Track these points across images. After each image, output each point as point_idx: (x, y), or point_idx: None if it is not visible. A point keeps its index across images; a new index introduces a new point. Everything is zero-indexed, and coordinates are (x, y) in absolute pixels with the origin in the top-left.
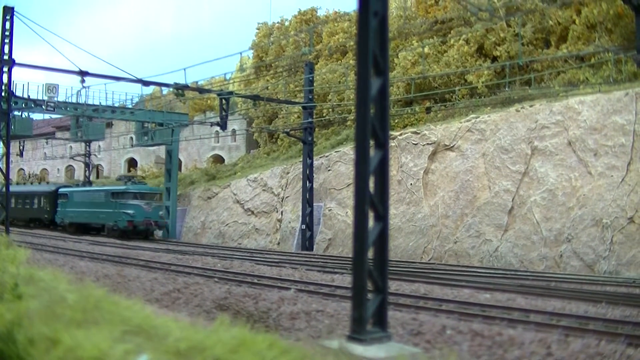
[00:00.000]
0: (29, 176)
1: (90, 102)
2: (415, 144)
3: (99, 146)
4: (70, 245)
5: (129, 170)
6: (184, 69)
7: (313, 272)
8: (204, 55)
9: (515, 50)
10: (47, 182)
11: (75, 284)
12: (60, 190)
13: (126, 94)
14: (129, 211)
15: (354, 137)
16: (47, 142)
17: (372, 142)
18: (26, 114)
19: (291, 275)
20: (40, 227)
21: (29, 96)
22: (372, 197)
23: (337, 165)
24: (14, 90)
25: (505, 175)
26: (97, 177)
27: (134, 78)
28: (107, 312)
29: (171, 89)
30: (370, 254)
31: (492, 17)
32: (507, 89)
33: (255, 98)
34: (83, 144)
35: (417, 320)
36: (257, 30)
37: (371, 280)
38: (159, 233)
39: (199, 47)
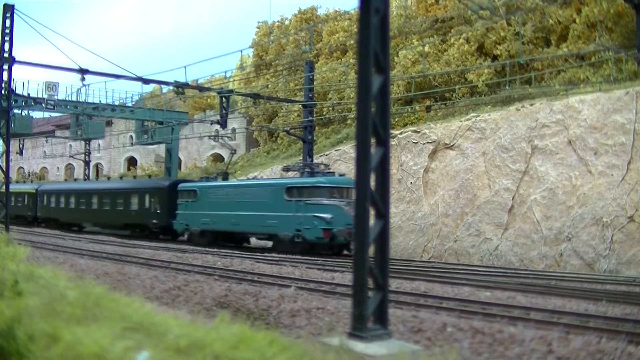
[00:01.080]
0: (29, 174)
1: (90, 100)
2: (416, 143)
3: (99, 144)
4: (69, 243)
5: (129, 169)
6: (184, 67)
7: (313, 270)
8: (204, 53)
9: (515, 49)
10: (149, 176)
11: (75, 281)
12: (181, 185)
13: (126, 92)
14: (324, 215)
15: (354, 134)
16: (46, 141)
17: (372, 140)
18: (26, 112)
19: (291, 273)
20: (143, 236)
21: (29, 94)
22: (372, 195)
23: (337, 163)
24: (14, 88)
25: (505, 174)
26: (97, 175)
27: (134, 76)
28: (107, 309)
29: (171, 87)
30: (370, 251)
31: (492, 16)
32: (507, 87)
33: (255, 96)
34: (83, 143)
35: (418, 317)
36: (258, 29)
37: (372, 278)
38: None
39: (199, 45)
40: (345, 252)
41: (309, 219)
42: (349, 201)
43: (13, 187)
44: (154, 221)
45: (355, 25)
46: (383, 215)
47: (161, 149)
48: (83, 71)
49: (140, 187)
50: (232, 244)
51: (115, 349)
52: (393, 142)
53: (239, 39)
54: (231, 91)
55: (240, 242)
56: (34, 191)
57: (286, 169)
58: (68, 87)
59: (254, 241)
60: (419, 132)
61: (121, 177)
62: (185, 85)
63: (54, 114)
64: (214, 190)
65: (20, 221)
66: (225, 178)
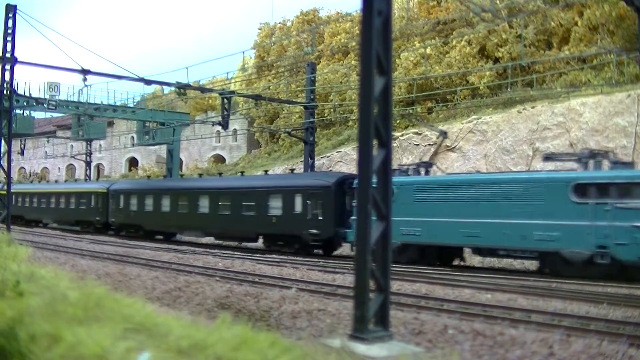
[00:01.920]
0: (30, 175)
1: (91, 100)
2: (417, 145)
3: (100, 145)
4: (71, 243)
5: (130, 170)
6: (186, 68)
7: (314, 272)
8: (206, 54)
9: (517, 51)
10: (290, 171)
11: (77, 282)
12: (353, 183)
13: (128, 92)
14: None
15: (356, 136)
16: (48, 141)
17: (375, 142)
18: (28, 112)
19: (292, 274)
20: (293, 252)
21: (30, 94)
22: (374, 197)
23: (339, 165)
24: (16, 88)
25: None
26: (98, 176)
27: (136, 77)
28: (108, 310)
29: (173, 88)
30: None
31: (494, 18)
32: (509, 90)
33: (257, 98)
34: (84, 143)
35: (419, 319)
36: (259, 30)
37: (373, 280)
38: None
39: (201, 47)
40: None
41: (624, 230)
42: None
43: (75, 187)
44: (313, 231)
45: (357, 27)
46: (385, 217)
47: (162, 150)
48: (85, 72)
49: (289, 185)
50: (438, 261)
51: (116, 350)
52: (394, 143)
53: (241, 41)
54: (233, 92)
55: (451, 259)
56: (104, 191)
57: (547, 158)
58: (70, 87)
59: (505, 261)
60: (420, 134)
61: (122, 178)
62: (187, 86)
63: (55, 115)
64: (428, 187)
65: (84, 228)
66: (428, 171)
